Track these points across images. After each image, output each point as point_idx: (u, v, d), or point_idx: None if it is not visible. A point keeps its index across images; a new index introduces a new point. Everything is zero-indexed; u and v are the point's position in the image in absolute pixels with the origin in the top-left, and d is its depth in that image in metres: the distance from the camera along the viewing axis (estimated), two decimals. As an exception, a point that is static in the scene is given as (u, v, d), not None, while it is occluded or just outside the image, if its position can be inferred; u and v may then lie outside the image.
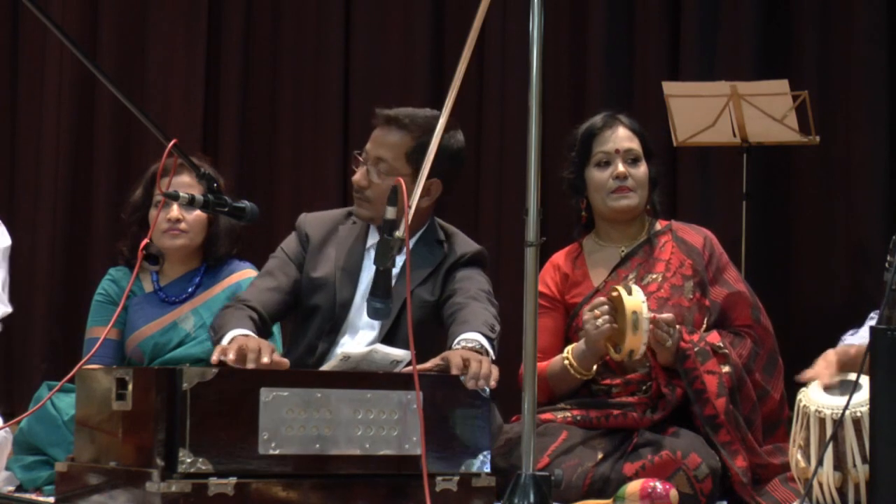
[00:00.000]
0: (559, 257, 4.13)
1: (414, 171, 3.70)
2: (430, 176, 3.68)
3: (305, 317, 3.80)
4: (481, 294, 3.69)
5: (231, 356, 3.27)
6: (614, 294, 3.76)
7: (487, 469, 3.21)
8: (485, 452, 3.21)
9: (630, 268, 4.01)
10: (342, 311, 3.76)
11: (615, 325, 3.74)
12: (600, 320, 3.76)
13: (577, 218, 4.12)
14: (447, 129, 3.73)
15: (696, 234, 4.07)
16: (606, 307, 3.76)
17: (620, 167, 3.98)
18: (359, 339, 3.74)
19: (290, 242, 3.90)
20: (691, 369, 3.81)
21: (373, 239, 3.83)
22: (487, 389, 3.22)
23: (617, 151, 4.00)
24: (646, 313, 3.69)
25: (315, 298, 3.79)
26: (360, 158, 3.82)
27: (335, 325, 3.75)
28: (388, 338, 3.68)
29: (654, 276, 3.98)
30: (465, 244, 3.88)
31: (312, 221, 3.90)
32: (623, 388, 3.93)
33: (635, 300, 3.70)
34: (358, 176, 3.78)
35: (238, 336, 3.46)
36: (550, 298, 4.06)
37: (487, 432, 3.24)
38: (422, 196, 3.72)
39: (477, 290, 3.69)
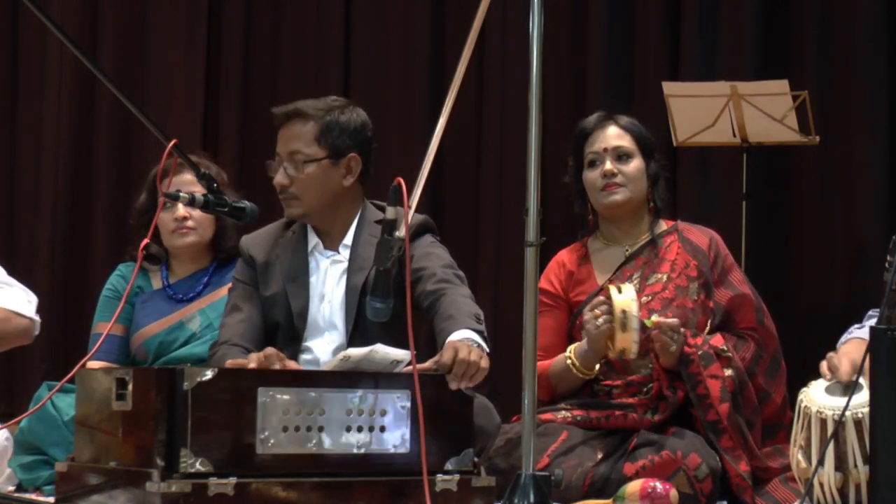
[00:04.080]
0: (564, 255, 4.14)
1: (329, 152, 3.76)
2: (343, 153, 3.77)
3: (269, 333, 3.82)
4: (448, 273, 3.67)
5: (252, 366, 3.34)
6: (608, 294, 3.77)
7: (471, 466, 3.21)
8: (468, 450, 3.21)
9: (635, 267, 4.01)
10: (300, 320, 3.78)
11: (613, 324, 3.74)
12: (600, 320, 3.76)
13: (583, 221, 4.12)
14: (343, 107, 3.81)
15: (702, 235, 4.07)
16: (606, 307, 3.77)
17: (608, 164, 4.00)
18: (326, 340, 3.75)
19: (240, 270, 3.92)
20: (694, 374, 3.81)
21: (313, 240, 3.85)
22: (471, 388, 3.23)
23: (605, 150, 4.02)
24: (635, 311, 3.69)
25: (273, 315, 3.82)
26: (276, 164, 3.81)
27: (296, 334, 3.78)
28: (353, 333, 3.71)
29: (660, 276, 3.99)
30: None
31: (252, 242, 3.92)
32: (624, 390, 3.93)
33: (624, 299, 3.71)
34: (278, 178, 3.77)
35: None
36: (554, 296, 4.06)
37: (471, 430, 3.24)
38: (345, 175, 3.81)
39: (442, 270, 3.67)
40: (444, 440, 3.18)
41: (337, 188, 3.82)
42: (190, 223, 4.19)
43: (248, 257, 3.88)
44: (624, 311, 3.69)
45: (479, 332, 3.43)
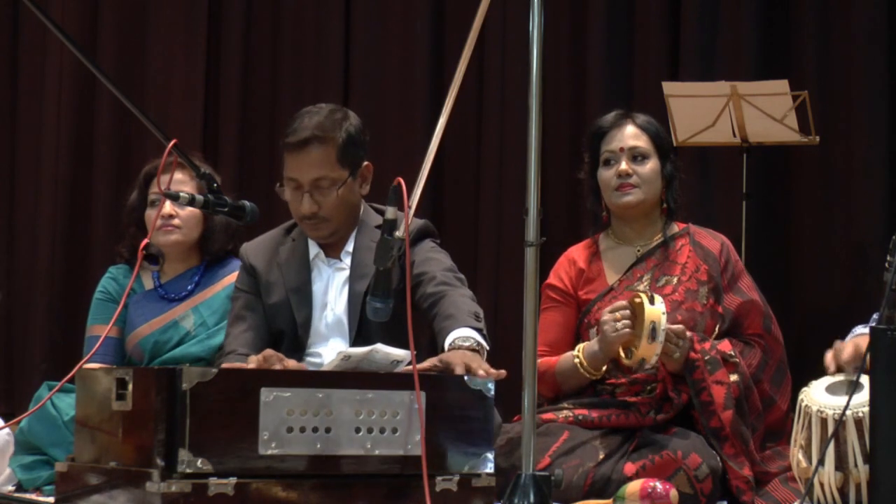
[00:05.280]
0: (575, 251, 4.13)
1: (351, 169, 3.77)
2: (359, 165, 3.81)
3: (273, 341, 3.81)
4: (448, 275, 3.68)
5: (252, 366, 3.33)
6: (637, 300, 3.75)
7: (490, 469, 3.21)
8: (488, 452, 3.21)
9: (646, 268, 4.01)
10: (304, 330, 3.80)
11: (633, 330, 3.74)
12: (620, 324, 3.75)
13: (597, 218, 4.12)
14: (346, 117, 3.82)
15: (714, 240, 4.07)
16: (628, 311, 3.76)
17: (623, 165, 3.99)
18: (330, 347, 3.75)
19: (242, 279, 3.92)
20: (699, 380, 3.80)
21: (314, 250, 3.85)
22: (492, 388, 3.22)
23: (621, 149, 4.01)
24: (664, 325, 3.68)
25: (276, 324, 3.82)
26: (292, 189, 3.78)
27: (300, 344, 3.79)
28: (357, 340, 3.71)
29: (670, 278, 3.98)
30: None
31: (254, 251, 3.91)
32: (627, 388, 3.93)
33: (656, 310, 3.69)
34: (307, 207, 3.75)
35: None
36: (563, 293, 4.06)
37: (490, 432, 3.24)
38: (362, 184, 3.83)
39: (442, 273, 3.68)
40: (464, 443, 3.17)
41: (357, 200, 3.85)
42: (175, 221, 4.20)
43: (249, 266, 3.88)
44: (654, 323, 3.67)
45: (479, 330, 3.43)
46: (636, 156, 4.01)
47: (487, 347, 3.36)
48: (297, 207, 3.79)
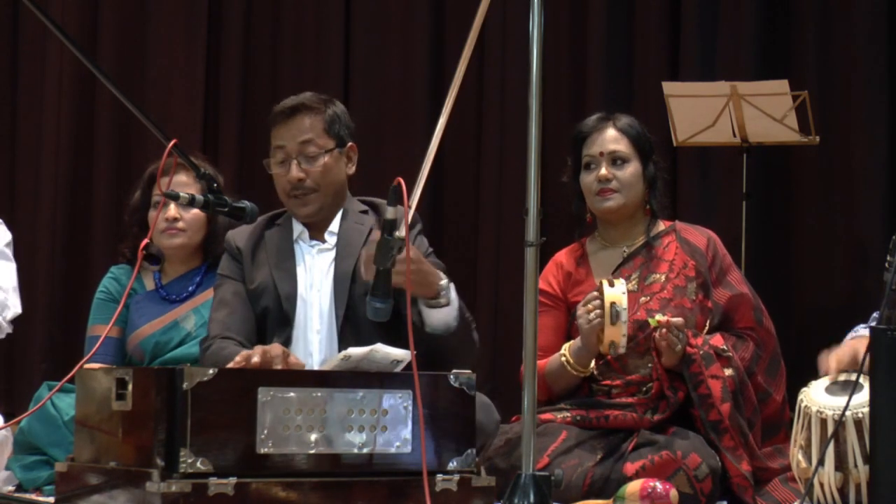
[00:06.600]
0: (562, 256, 4.14)
1: (337, 142, 3.80)
2: (345, 143, 3.84)
3: (258, 322, 3.80)
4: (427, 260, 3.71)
5: (256, 359, 3.31)
6: (599, 287, 3.78)
7: (473, 466, 3.21)
8: (470, 450, 3.21)
9: (633, 267, 4.02)
10: (289, 303, 3.78)
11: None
12: (592, 314, 3.77)
13: (581, 221, 4.13)
14: (334, 99, 3.87)
15: (700, 235, 4.07)
16: (598, 301, 3.78)
17: (603, 170, 4.00)
18: (315, 328, 3.75)
19: (225, 264, 3.90)
20: (696, 374, 3.81)
21: (297, 229, 3.85)
22: (474, 387, 3.23)
23: (601, 154, 4.02)
24: (625, 305, 3.71)
25: (262, 302, 3.81)
26: (278, 162, 3.80)
27: (285, 318, 3.77)
28: (344, 322, 3.71)
29: (658, 276, 3.99)
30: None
31: (239, 234, 3.91)
32: (623, 389, 3.93)
33: (614, 292, 3.73)
34: (294, 172, 3.77)
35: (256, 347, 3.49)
36: (552, 296, 4.07)
37: (473, 429, 3.24)
38: (347, 163, 3.87)
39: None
40: (447, 440, 3.18)
41: (343, 178, 3.86)
42: (180, 224, 4.20)
43: (235, 249, 3.87)
44: (613, 304, 3.71)
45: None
46: (616, 160, 4.02)
47: (454, 298, 3.45)
48: (283, 179, 3.80)
